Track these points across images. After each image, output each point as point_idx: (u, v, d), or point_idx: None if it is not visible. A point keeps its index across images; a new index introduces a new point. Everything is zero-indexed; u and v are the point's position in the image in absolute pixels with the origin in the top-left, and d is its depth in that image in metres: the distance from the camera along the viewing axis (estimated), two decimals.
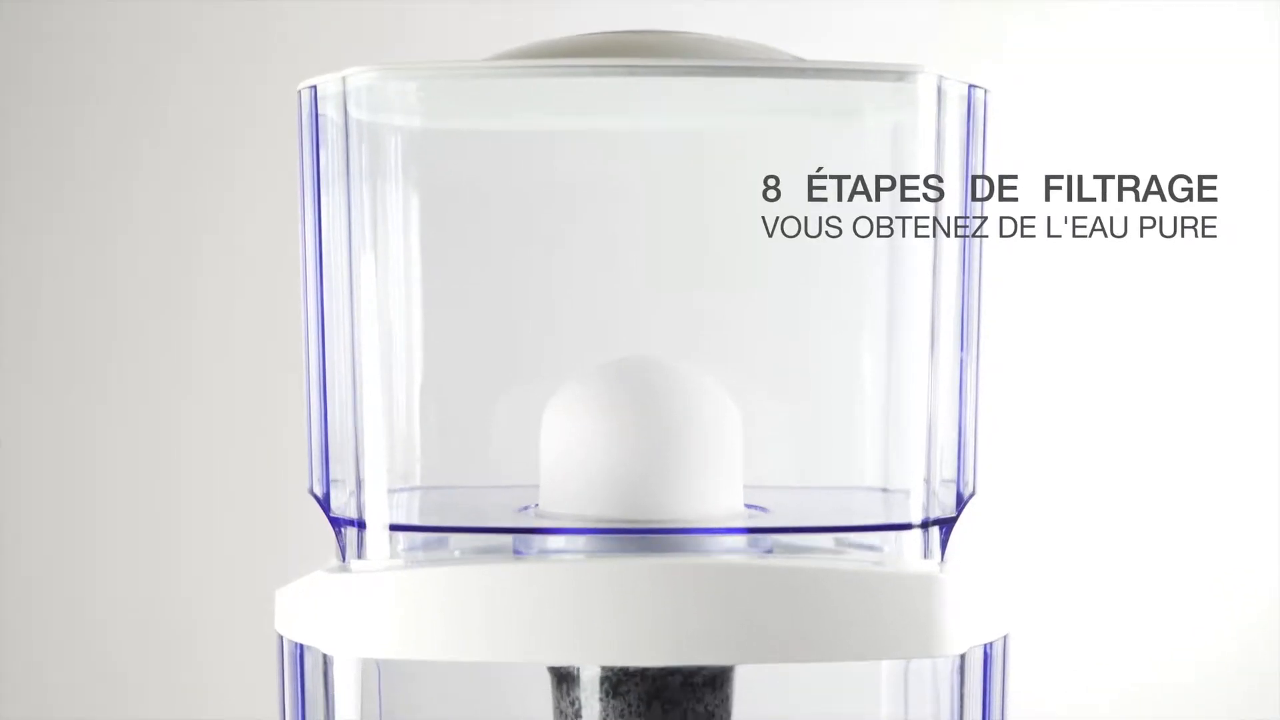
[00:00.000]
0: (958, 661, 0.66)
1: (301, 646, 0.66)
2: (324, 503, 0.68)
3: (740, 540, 0.67)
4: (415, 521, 0.69)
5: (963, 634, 0.64)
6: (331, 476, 0.68)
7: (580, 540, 0.66)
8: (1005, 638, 0.66)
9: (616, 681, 0.65)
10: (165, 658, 1.03)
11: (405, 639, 0.62)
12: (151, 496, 1.03)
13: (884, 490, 0.69)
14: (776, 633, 0.61)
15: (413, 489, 0.70)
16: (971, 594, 0.64)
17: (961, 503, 0.68)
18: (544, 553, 0.66)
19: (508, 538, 0.68)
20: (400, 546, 0.67)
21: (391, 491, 0.68)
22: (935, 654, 0.64)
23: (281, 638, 0.67)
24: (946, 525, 0.67)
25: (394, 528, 0.67)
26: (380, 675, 0.70)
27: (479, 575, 0.62)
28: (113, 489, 1.03)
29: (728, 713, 0.67)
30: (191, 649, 1.02)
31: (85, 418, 1.03)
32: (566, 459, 0.66)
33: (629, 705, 0.65)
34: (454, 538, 0.69)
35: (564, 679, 0.67)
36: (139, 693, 1.02)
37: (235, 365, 1.02)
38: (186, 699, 1.02)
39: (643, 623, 0.61)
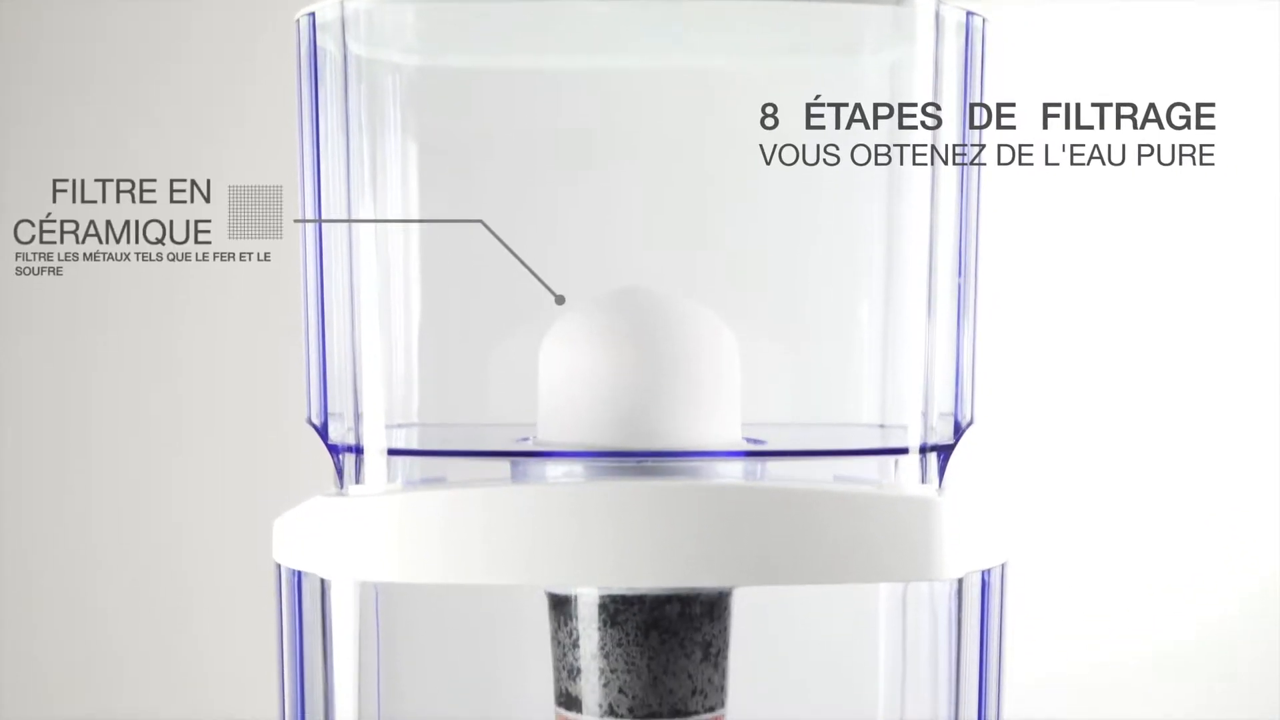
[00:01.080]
0: (955, 587, 0.66)
1: (299, 574, 0.66)
2: (322, 431, 0.68)
3: (737, 468, 0.67)
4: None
5: (960, 559, 0.64)
6: (330, 410, 0.68)
7: (578, 466, 0.66)
8: (1004, 566, 0.67)
9: (614, 611, 0.65)
10: (161, 593, 1.03)
11: (403, 562, 0.63)
12: (148, 434, 1.03)
13: (881, 426, 0.70)
14: (773, 555, 0.61)
15: (410, 425, 0.70)
16: (969, 519, 0.64)
17: (959, 431, 0.68)
18: (542, 480, 0.66)
19: (505, 468, 0.68)
20: (398, 477, 0.68)
21: (389, 427, 0.68)
22: (932, 578, 0.64)
23: (279, 567, 0.67)
24: (944, 452, 0.67)
25: (392, 453, 0.67)
26: (378, 602, 0.70)
27: (477, 498, 0.62)
28: (110, 424, 1.03)
29: (725, 643, 0.67)
30: (189, 585, 1.03)
31: (83, 350, 1.03)
32: (564, 388, 0.66)
33: (626, 634, 0.66)
34: (451, 468, 0.69)
35: (561, 609, 0.67)
36: (132, 626, 1.03)
37: (231, 301, 1.02)
38: (183, 634, 1.02)
39: (641, 545, 0.61)
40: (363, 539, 0.63)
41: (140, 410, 1.03)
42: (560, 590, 0.67)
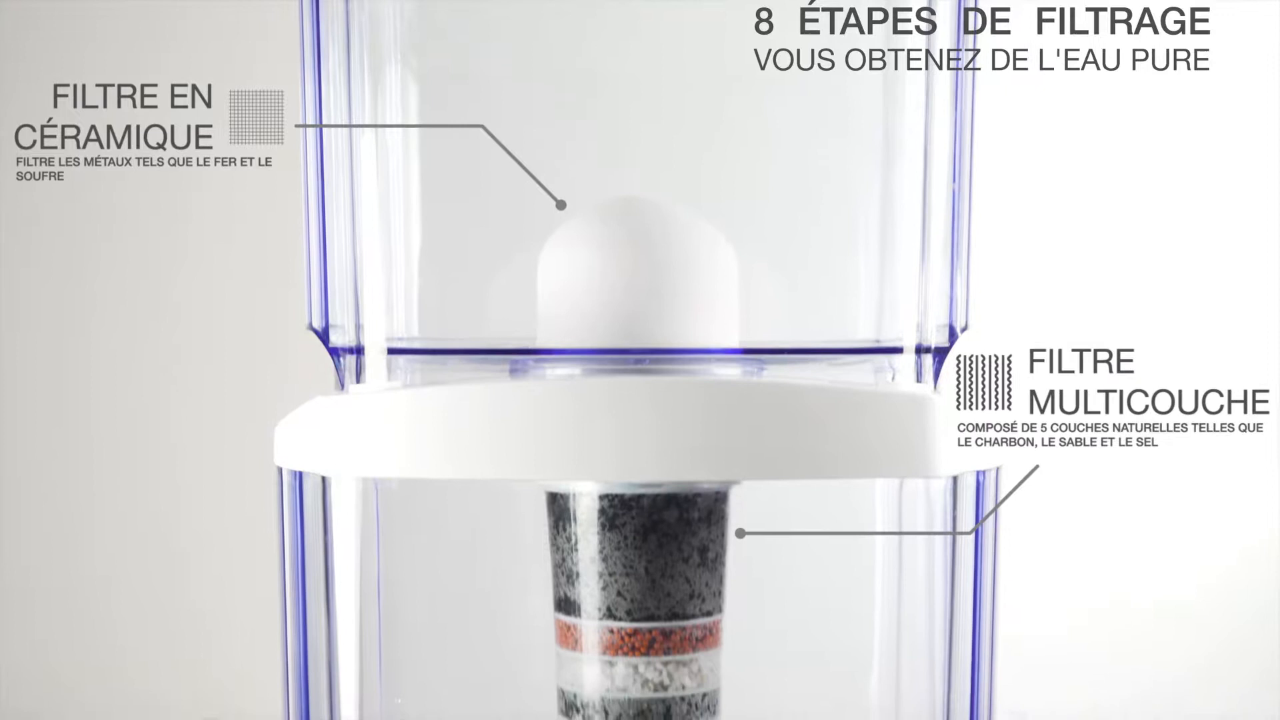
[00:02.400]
0: (950, 486, 0.66)
1: (300, 475, 0.67)
2: (323, 335, 0.68)
3: (735, 369, 0.67)
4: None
5: (955, 457, 0.65)
6: (331, 314, 0.68)
7: (577, 369, 0.66)
8: (998, 470, 0.67)
9: (613, 515, 0.66)
10: (161, 499, 1.03)
11: (403, 457, 0.63)
12: (147, 339, 1.03)
13: (876, 342, 0.70)
14: (771, 450, 0.62)
15: (411, 338, 0.70)
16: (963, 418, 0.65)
17: (953, 336, 0.68)
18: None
19: (504, 374, 0.68)
20: (399, 380, 0.68)
21: (389, 339, 0.68)
22: (927, 474, 0.64)
23: (280, 471, 0.68)
24: (939, 356, 0.68)
25: (392, 351, 0.67)
26: (378, 505, 0.71)
27: (478, 393, 0.63)
28: (109, 329, 1.03)
29: (723, 548, 0.68)
30: (190, 487, 1.03)
31: (83, 256, 1.03)
32: (563, 294, 0.67)
33: (625, 538, 0.66)
34: (451, 376, 0.69)
35: (561, 514, 0.67)
36: (131, 536, 1.03)
37: (233, 206, 1.02)
38: (184, 534, 1.02)
39: (640, 439, 0.61)
40: (363, 435, 0.63)
41: (140, 314, 1.03)
42: (560, 491, 0.67)
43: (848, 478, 0.65)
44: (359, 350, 0.67)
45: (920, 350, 0.67)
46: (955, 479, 0.66)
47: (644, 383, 0.63)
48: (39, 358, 1.03)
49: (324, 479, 0.67)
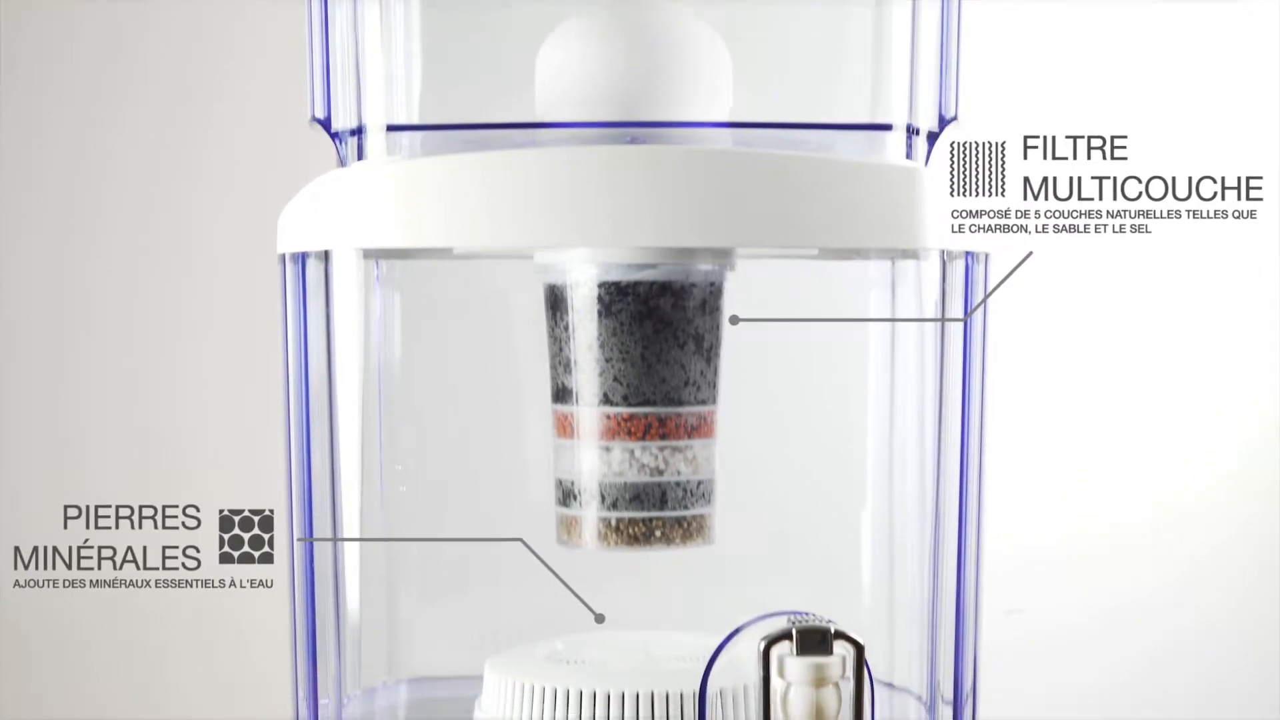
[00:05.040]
0: (941, 277, 0.67)
1: (303, 258, 0.67)
2: (325, 123, 0.68)
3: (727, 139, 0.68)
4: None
5: (944, 230, 0.65)
6: (333, 108, 0.68)
7: (574, 142, 0.66)
8: (987, 258, 0.68)
9: (609, 301, 0.67)
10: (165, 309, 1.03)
11: (403, 227, 0.63)
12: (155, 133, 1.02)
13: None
14: (763, 218, 0.62)
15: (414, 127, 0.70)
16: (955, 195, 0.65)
17: (943, 122, 0.68)
18: None
19: None
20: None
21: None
22: (915, 244, 0.65)
23: (283, 259, 0.68)
24: (930, 139, 0.68)
25: (391, 128, 0.67)
26: (379, 287, 0.71)
27: (475, 162, 0.63)
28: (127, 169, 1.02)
29: (718, 340, 0.69)
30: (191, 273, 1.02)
31: (105, 86, 1.02)
32: (560, 79, 0.67)
33: (621, 324, 0.67)
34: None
35: (557, 302, 0.68)
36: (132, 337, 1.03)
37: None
38: (187, 337, 1.02)
39: (633, 205, 0.62)
40: (363, 207, 0.64)
41: (149, 125, 1.02)
42: (556, 282, 0.68)
43: (837, 246, 0.66)
44: (360, 131, 0.67)
45: (911, 131, 0.67)
46: (946, 268, 0.67)
47: (637, 151, 0.63)
48: (48, 161, 1.02)
49: (327, 271, 0.67)
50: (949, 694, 0.69)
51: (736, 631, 0.64)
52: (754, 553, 0.74)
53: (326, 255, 0.66)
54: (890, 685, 0.71)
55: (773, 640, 0.62)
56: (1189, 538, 1.05)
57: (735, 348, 0.70)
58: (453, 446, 0.77)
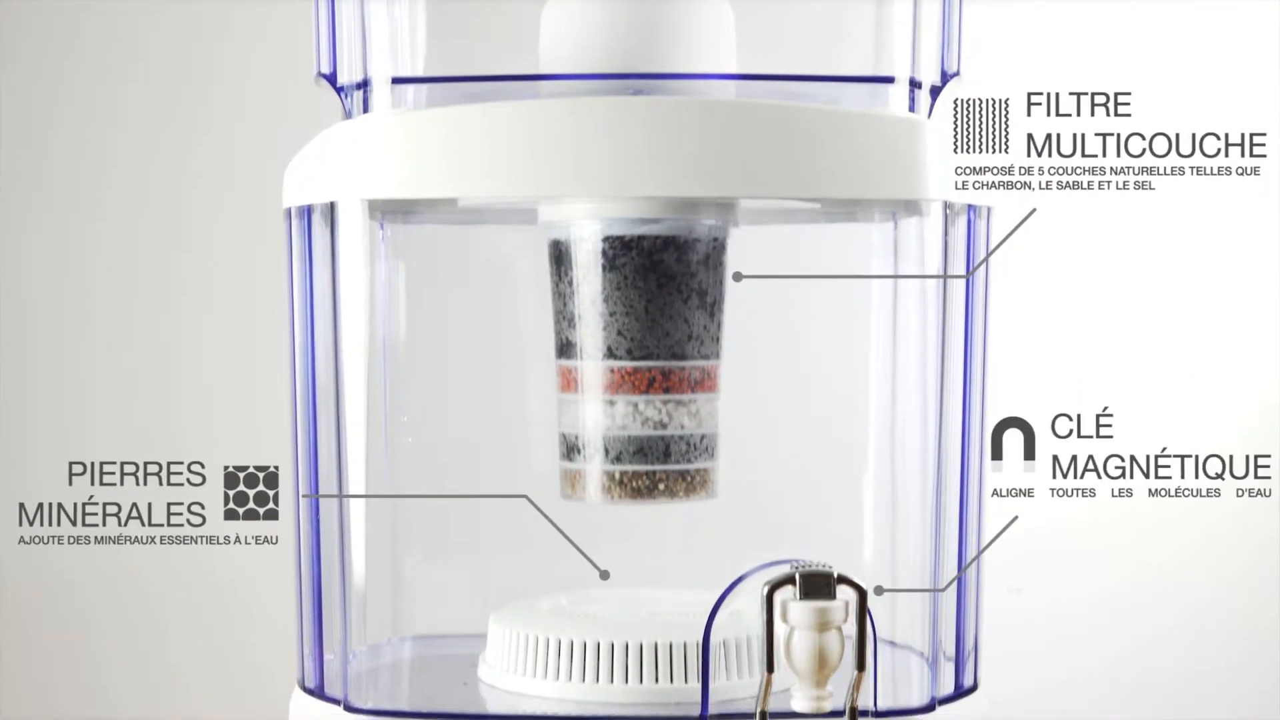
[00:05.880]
0: (943, 233, 0.67)
1: (309, 211, 0.67)
2: (330, 78, 0.68)
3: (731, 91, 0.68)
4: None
5: (947, 182, 0.65)
6: (339, 63, 0.68)
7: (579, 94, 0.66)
8: (989, 213, 0.68)
9: (613, 256, 0.67)
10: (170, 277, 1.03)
11: (407, 178, 0.64)
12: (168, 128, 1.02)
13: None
14: (766, 167, 0.62)
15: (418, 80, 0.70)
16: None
17: (945, 78, 0.68)
18: None
19: None
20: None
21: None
22: (918, 195, 0.65)
23: (289, 214, 0.68)
24: (933, 94, 0.68)
25: (396, 81, 0.67)
26: (384, 242, 0.71)
27: (478, 112, 0.63)
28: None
29: (721, 295, 0.69)
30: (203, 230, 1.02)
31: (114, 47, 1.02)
32: (565, 30, 0.67)
33: (625, 278, 0.67)
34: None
35: (562, 257, 0.68)
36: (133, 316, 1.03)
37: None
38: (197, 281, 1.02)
39: (638, 155, 0.62)
40: (369, 159, 0.64)
41: (159, 87, 1.02)
42: (561, 238, 0.68)
43: (839, 197, 0.66)
44: (365, 84, 0.67)
45: (914, 84, 0.67)
46: (949, 223, 0.67)
47: (641, 102, 0.63)
48: (54, 118, 1.02)
49: (333, 227, 0.67)
50: (951, 651, 0.69)
51: (740, 579, 0.64)
52: (756, 511, 0.75)
53: (332, 209, 0.66)
54: (893, 643, 0.71)
55: (776, 585, 0.62)
56: (1192, 505, 1.05)
57: (739, 309, 0.70)
58: (457, 404, 0.77)
